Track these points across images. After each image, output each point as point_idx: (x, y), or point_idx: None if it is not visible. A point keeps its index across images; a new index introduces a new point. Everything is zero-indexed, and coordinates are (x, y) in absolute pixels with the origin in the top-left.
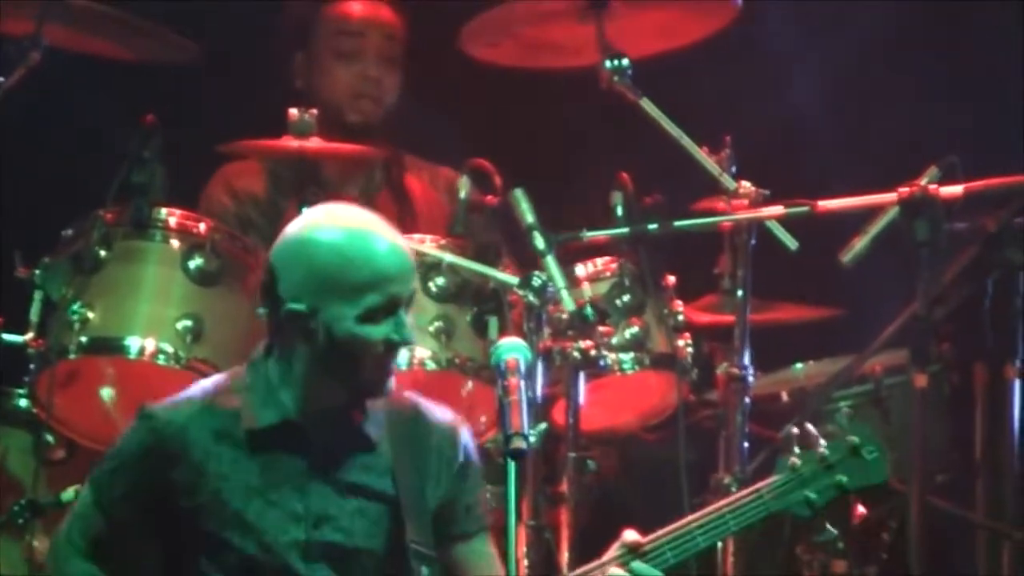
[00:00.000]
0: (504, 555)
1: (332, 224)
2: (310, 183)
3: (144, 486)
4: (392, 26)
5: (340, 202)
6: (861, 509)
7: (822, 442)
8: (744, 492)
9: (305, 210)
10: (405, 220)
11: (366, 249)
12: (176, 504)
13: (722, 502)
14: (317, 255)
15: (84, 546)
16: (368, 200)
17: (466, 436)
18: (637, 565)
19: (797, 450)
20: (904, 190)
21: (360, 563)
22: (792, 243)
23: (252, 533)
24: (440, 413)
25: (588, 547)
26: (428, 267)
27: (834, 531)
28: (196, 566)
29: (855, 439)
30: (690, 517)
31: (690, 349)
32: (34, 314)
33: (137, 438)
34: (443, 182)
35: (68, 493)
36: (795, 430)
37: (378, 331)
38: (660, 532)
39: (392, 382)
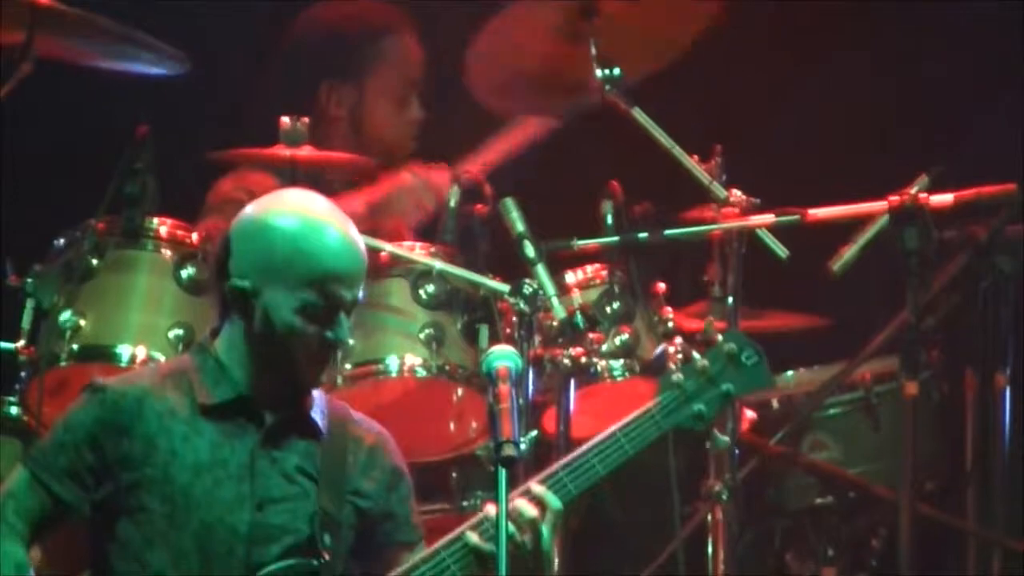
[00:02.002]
0: (496, 562)
1: (293, 211)
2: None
3: (90, 459)
4: (424, 61)
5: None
6: (750, 414)
7: (697, 355)
8: (634, 414)
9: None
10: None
11: (318, 244)
12: (118, 478)
13: (613, 427)
14: (270, 237)
15: (20, 526)
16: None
17: (396, 448)
18: (535, 487)
19: (676, 366)
20: (894, 199)
21: (299, 547)
22: (782, 252)
23: (197, 511)
24: (372, 422)
25: (579, 553)
26: (418, 274)
27: (726, 439)
28: (130, 545)
29: (732, 345)
30: (584, 447)
31: (680, 356)
32: (25, 322)
33: (89, 411)
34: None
35: None
36: (669, 347)
37: (312, 327)
38: (556, 464)
39: (323, 378)
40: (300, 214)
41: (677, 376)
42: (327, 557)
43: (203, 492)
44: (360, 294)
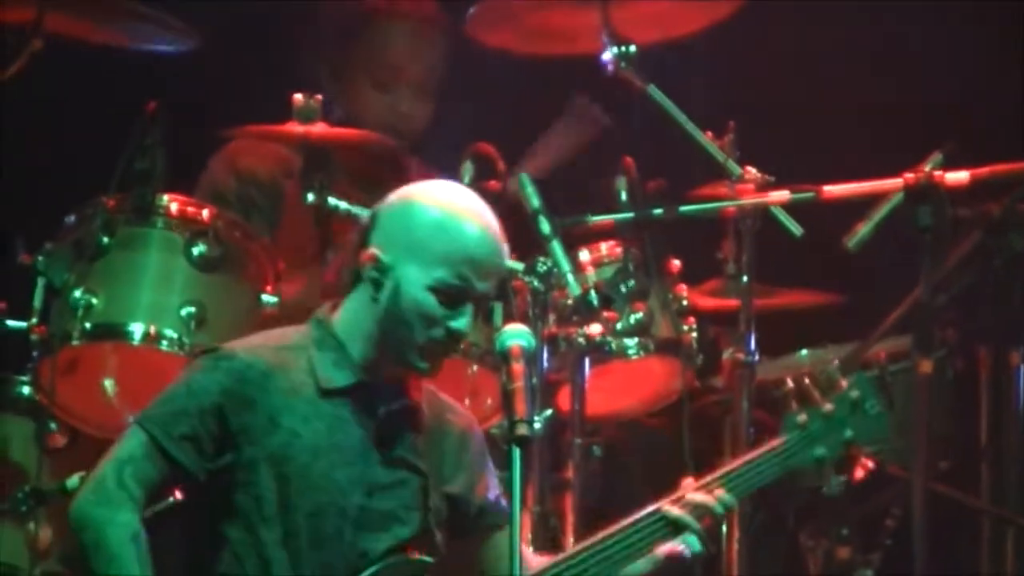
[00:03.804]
0: (510, 541)
1: (446, 195)
2: (319, 171)
3: (213, 427)
4: (433, 60)
5: (345, 195)
6: (869, 464)
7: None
8: (758, 451)
9: (311, 196)
10: None
11: (462, 226)
12: (239, 450)
13: (738, 461)
14: (417, 214)
15: (138, 493)
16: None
17: (480, 430)
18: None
19: (797, 407)
20: (909, 176)
21: (401, 534)
22: (797, 229)
23: (312, 492)
24: (458, 406)
25: (593, 533)
26: None
27: (842, 478)
28: (245, 518)
29: (858, 393)
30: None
31: (695, 334)
32: (37, 301)
33: (215, 378)
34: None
35: (72, 480)
36: (792, 384)
37: (439, 310)
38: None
39: (437, 369)
40: (449, 199)
41: (802, 417)
42: (439, 554)
43: (319, 474)
44: (492, 290)
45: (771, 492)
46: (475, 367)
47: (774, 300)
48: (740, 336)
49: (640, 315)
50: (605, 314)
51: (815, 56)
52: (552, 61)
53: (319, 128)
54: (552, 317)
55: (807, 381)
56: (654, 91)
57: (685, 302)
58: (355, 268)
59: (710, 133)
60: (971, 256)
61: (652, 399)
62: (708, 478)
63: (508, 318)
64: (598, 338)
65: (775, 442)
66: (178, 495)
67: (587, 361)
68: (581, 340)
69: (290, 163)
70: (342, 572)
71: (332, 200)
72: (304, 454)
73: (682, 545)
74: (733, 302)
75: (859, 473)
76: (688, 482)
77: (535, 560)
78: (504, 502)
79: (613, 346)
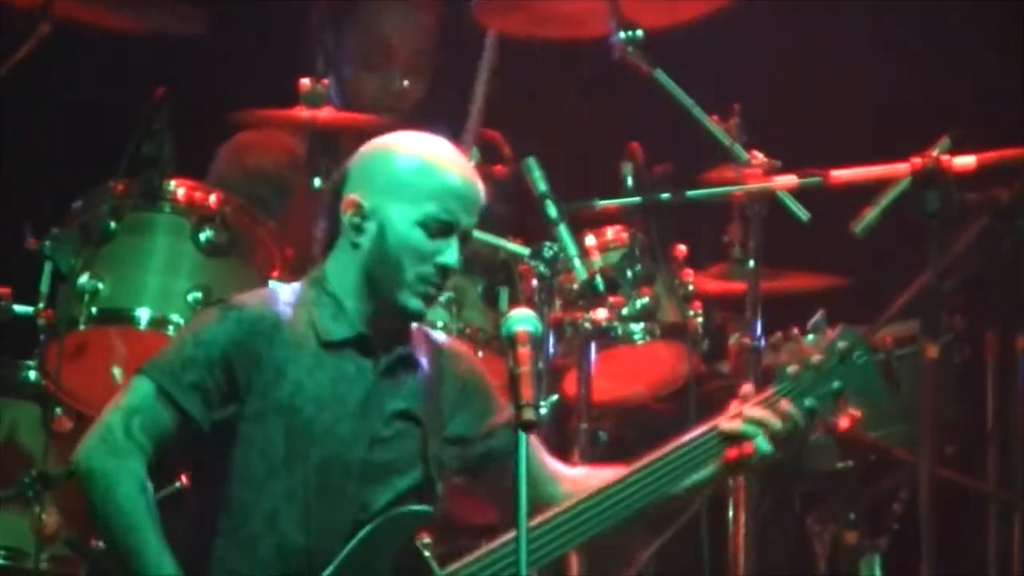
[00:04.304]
0: (516, 526)
1: (420, 138)
2: (326, 157)
3: (220, 378)
4: (424, 36)
5: None
6: (851, 410)
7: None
8: (754, 400)
9: (318, 181)
10: None
11: (444, 164)
12: (245, 401)
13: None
14: (394, 157)
15: (147, 443)
16: None
17: (477, 361)
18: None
19: (788, 356)
20: (916, 160)
21: (400, 486)
22: (803, 214)
23: (316, 445)
24: (453, 343)
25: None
26: None
27: (827, 436)
28: (249, 472)
29: (844, 343)
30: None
31: (701, 319)
32: (43, 285)
33: (224, 328)
34: None
35: None
36: (780, 335)
37: (429, 244)
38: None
39: (426, 311)
40: (427, 140)
41: (793, 368)
42: (439, 502)
43: (323, 427)
44: (473, 225)
45: (778, 477)
46: (481, 353)
47: (780, 285)
48: (746, 321)
49: (646, 300)
50: (611, 299)
51: (822, 40)
52: (559, 45)
53: (326, 113)
54: (558, 302)
55: (796, 331)
56: (660, 75)
57: (691, 287)
58: (332, 221)
59: (716, 117)
60: (978, 241)
61: (658, 384)
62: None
63: (514, 303)
64: (604, 323)
65: (767, 391)
66: (184, 480)
67: (593, 346)
68: (587, 325)
69: (298, 156)
70: (345, 525)
71: None
72: (309, 406)
73: (751, 447)
74: (739, 287)
75: (844, 423)
76: (735, 404)
77: (571, 472)
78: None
79: (619, 331)
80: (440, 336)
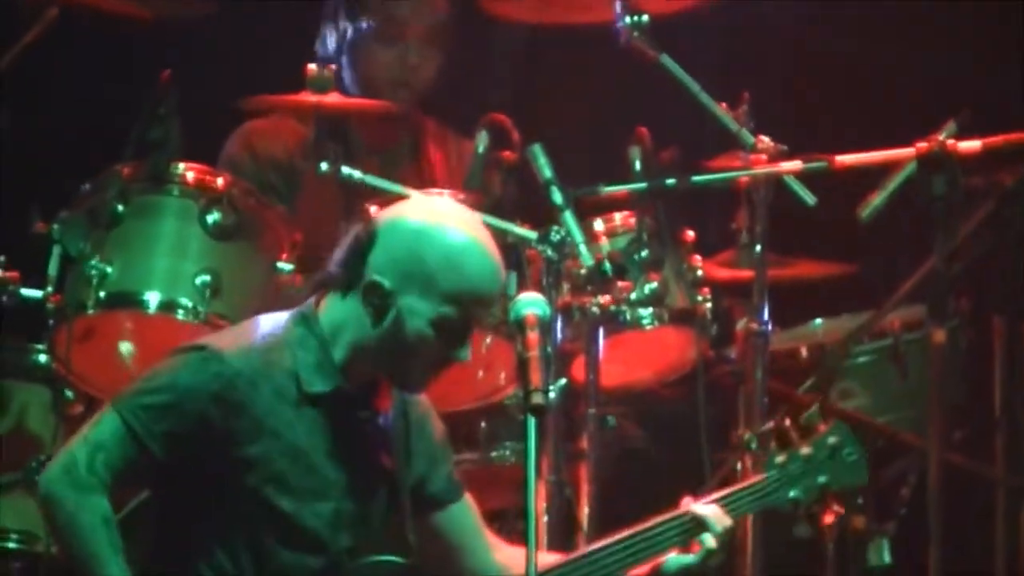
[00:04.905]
0: (524, 511)
1: (455, 225)
2: (333, 143)
3: (195, 429)
4: (439, 9)
5: (361, 164)
6: (838, 507)
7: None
8: (739, 487)
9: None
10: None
11: (475, 264)
12: (227, 452)
13: (723, 491)
14: (428, 245)
15: (110, 479)
16: (390, 168)
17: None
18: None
19: (777, 447)
20: (922, 145)
21: (373, 536)
22: (810, 198)
23: (290, 495)
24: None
25: (608, 503)
26: None
27: (809, 529)
28: (217, 518)
29: (836, 439)
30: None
31: (709, 305)
32: (52, 269)
33: (202, 380)
34: (466, 155)
35: None
36: (771, 425)
37: (442, 341)
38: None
39: (423, 391)
40: (462, 229)
41: (781, 458)
42: (413, 551)
43: (297, 477)
44: (492, 314)
45: None
46: (489, 338)
47: (788, 270)
48: (754, 306)
49: (654, 285)
50: (619, 284)
51: (828, 26)
52: (567, 30)
53: (333, 98)
54: (566, 287)
55: (788, 423)
56: (667, 60)
57: (700, 272)
58: (353, 280)
59: (724, 104)
60: (984, 226)
61: (666, 369)
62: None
63: (522, 287)
64: (612, 308)
65: (755, 478)
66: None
67: (601, 331)
68: (595, 310)
69: (308, 142)
70: (316, 572)
71: (346, 169)
72: (284, 458)
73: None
74: (747, 272)
75: (829, 518)
76: (687, 501)
77: (507, 552)
78: (455, 479)
79: (627, 316)
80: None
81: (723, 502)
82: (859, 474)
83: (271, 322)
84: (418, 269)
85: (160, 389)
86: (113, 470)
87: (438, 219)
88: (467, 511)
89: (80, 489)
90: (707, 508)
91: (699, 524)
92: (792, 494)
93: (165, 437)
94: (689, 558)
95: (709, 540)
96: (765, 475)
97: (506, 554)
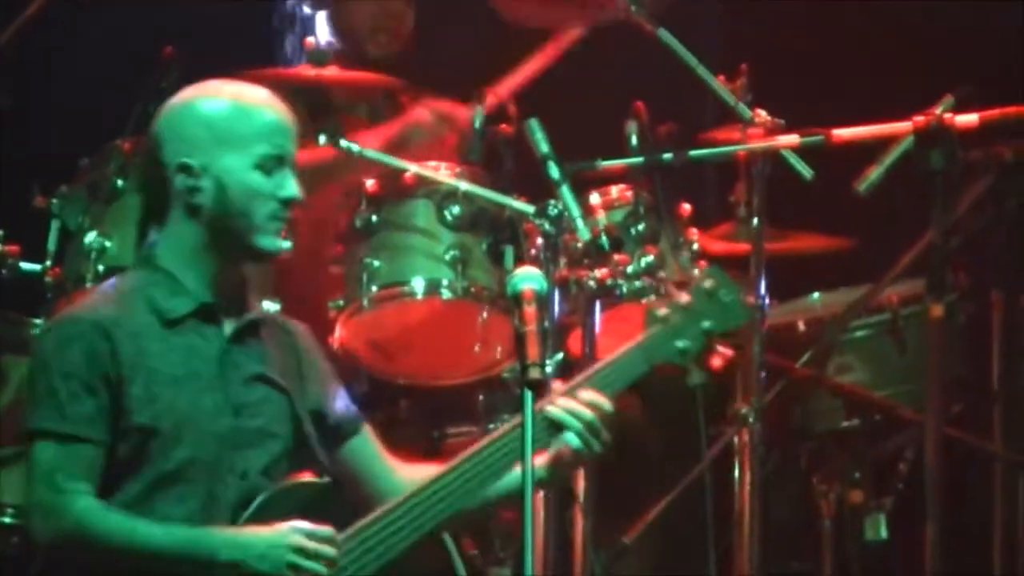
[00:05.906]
0: (522, 483)
1: (215, 86)
2: (322, 110)
3: (105, 394)
4: None
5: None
6: (722, 349)
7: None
8: (623, 348)
9: (322, 139)
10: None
11: (254, 102)
12: (116, 404)
13: (604, 360)
14: (207, 110)
15: (84, 485)
16: (376, 119)
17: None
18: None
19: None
20: (919, 119)
21: (274, 449)
22: (807, 172)
23: (185, 424)
24: (290, 322)
25: (604, 476)
26: (443, 195)
27: (704, 374)
28: (132, 465)
29: (711, 282)
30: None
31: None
32: (51, 243)
33: (77, 348)
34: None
35: None
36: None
37: (269, 182)
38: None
39: (285, 246)
40: (223, 86)
41: (663, 311)
42: (325, 467)
43: (186, 405)
44: (296, 150)
45: (784, 435)
46: (486, 312)
47: (786, 244)
48: (751, 280)
49: (651, 258)
50: (616, 257)
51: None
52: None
53: (331, 71)
54: (563, 260)
55: (662, 274)
56: (664, 34)
57: (696, 246)
58: (157, 194)
59: (721, 77)
60: (982, 200)
61: None
62: (574, 380)
63: (519, 261)
64: (609, 281)
65: (639, 337)
66: None
67: (598, 304)
68: (592, 283)
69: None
70: (230, 497)
71: (344, 142)
72: (167, 389)
73: (564, 445)
74: (744, 246)
75: (717, 362)
76: (557, 386)
77: (408, 470)
78: (353, 408)
79: (624, 289)
80: (276, 312)
81: (606, 372)
82: (739, 313)
83: (113, 280)
84: (215, 132)
85: (52, 383)
86: (81, 476)
87: (198, 89)
88: (368, 438)
89: (63, 514)
90: (559, 405)
91: (554, 425)
92: (680, 344)
93: (95, 419)
94: (566, 458)
95: (573, 440)
96: (648, 331)
97: (407, 472)
